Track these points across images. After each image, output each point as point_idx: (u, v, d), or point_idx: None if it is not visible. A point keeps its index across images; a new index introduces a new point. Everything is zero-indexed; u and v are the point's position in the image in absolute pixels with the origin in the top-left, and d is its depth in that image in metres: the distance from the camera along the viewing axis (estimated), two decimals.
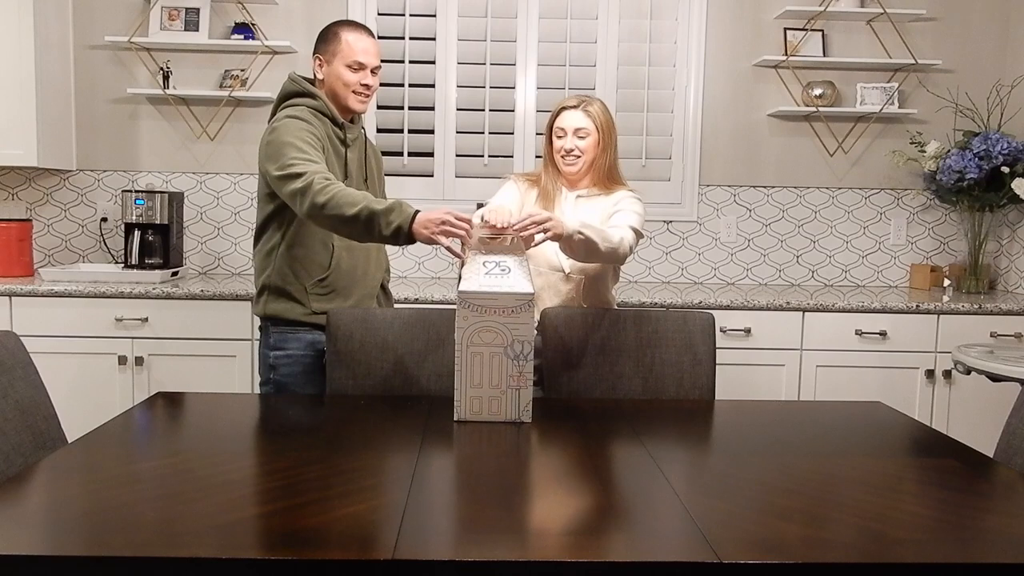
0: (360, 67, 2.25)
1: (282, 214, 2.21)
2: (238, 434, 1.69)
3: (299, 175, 2.01)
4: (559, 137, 2.33)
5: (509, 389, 1.77)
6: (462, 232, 1.90)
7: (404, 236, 1.92)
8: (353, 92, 2.26)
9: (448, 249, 1.91)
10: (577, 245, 2.03)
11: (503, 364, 1.75)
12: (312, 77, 2.32)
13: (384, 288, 2.48)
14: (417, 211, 1.93)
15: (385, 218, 1.91)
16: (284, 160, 2.06)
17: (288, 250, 2.23)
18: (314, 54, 2.30)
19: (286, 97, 2.28)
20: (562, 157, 2.33)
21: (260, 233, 2.29)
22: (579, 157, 2.31)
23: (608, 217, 2.30)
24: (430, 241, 1.91)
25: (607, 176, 2.36)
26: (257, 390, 3.07)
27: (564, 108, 2.33)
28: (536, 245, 2.00)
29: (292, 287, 2.25)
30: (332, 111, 2.26)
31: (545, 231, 1.94)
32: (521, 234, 1.94)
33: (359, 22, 2.32)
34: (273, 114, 2.30)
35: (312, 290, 2.25)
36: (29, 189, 3.61)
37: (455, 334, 1.76)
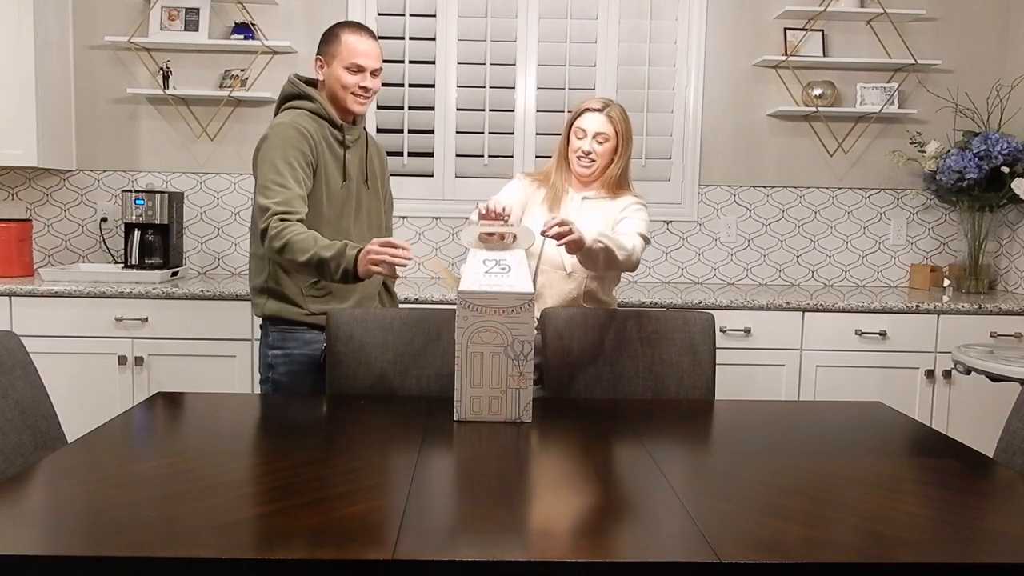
0: (359, 69, 2.24)
1: None
2: (238, 434, 1.69)
3: (264, 210, 2.08)
4: (578, 138, 2.33)
5: (509, 389, 1.77)
6: (385, 256, 1.92)
7: (352, 276, 1.99)
8: (352, 94, 2.25)
9: (382, 273, 1.96)
10: (596, 255, 2.04)
11: (503, 364, 1.75)
12: (314, 78, 2.33)
13: (388, 289, 2.49)
14: (359, 251, 1.98)
15: (333, 263, 1.99)
16: (262, 182, 2.13)
17: None
18: (316, 56, 2.30)
19: (285, 99, 2.29)
20: (578, 158, 2.33)
21: (254, 234, 2.27)
22: (594, 161, 2.32)
23: (615, 223, 2.30)
24: (370, 274, 1.97)
25: (616, 182, 2.36)
26: (257, 389, 3.08)
27: (587, 109, 2.33)
28: (560, 245, 1.98)
29: (288, 289, 2.26)
30: (329, 113, 2.26)
31: (570, 231, 1.93)
32: (547, 235, 1.94)
33: (361, 24, 2.33)
34: (275, 116, 2.30)
35: (308, 292, 2.26)
36: (29, 189, 3.61)
37: (455, 334, 1.76)
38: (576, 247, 1.98)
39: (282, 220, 2.05)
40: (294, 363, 2.28)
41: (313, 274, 2.07)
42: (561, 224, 1.93)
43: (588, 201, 2.36)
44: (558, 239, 1.94)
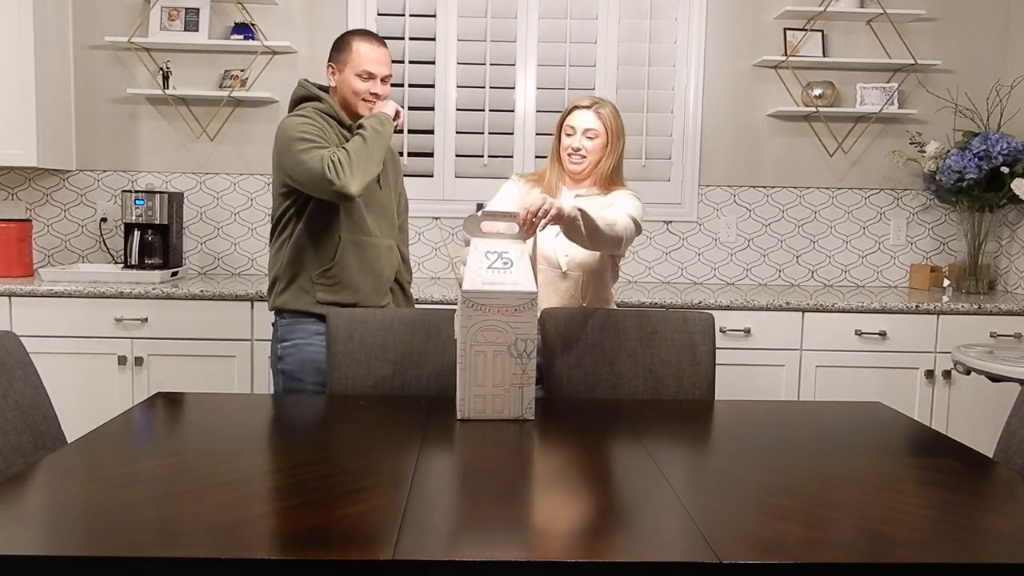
0: (369, 76, 2.31)
1: (296, 208, 2.29)
2: (238, 434, 1.69)
3: (315, 168, 2.14)
4: (568, 135, 2.34)
5: (512, 387, 1.77)
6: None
7: (395, 121, 2.36)
8: (363, 100, 2.33)
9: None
10: (576, 225, 1.99)
11: (506, 363, 1.76)
12: (325, 85, 2.40)
13: (404, 289, 2.52)
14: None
15: (378, 124, 2.27)
16: (296, 151, 2.18)
17: (297, 241, 2.30)
18: (328, 63, 2.37)
19: (295, 103, 2.37)
20: (568, 155, 2.34)
21: (275, 229, 2.37)
22: (584, 157, 2.33)
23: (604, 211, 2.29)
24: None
25: (608, 179, 2.36)
26: (257, 390, 3.08)
27: (576, 107, 2.35)
28: (542, 228, 1.94)
29: (299, 277, 2.32)
30: (339, 114, 2.33)
31: (546, 212, 1.89)
32: (530, 223, 1.89)
33: (371, 31, 2.42)
34: None
35: (318, 280, 2.31)
36: (29, 189, 3.61)
37: (459, 333, 1.76)
38: (557, 220, 1.93)
39: (334, 157, 2.14)
40: (302, 354, 2.33)
41: (376, 158, 2.23)
42: (538, 209, 1.87)
43: (580, 199, 2.36)
44: (545, 217, 1.89)
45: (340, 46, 2.35)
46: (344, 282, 2.32)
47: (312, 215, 2.28)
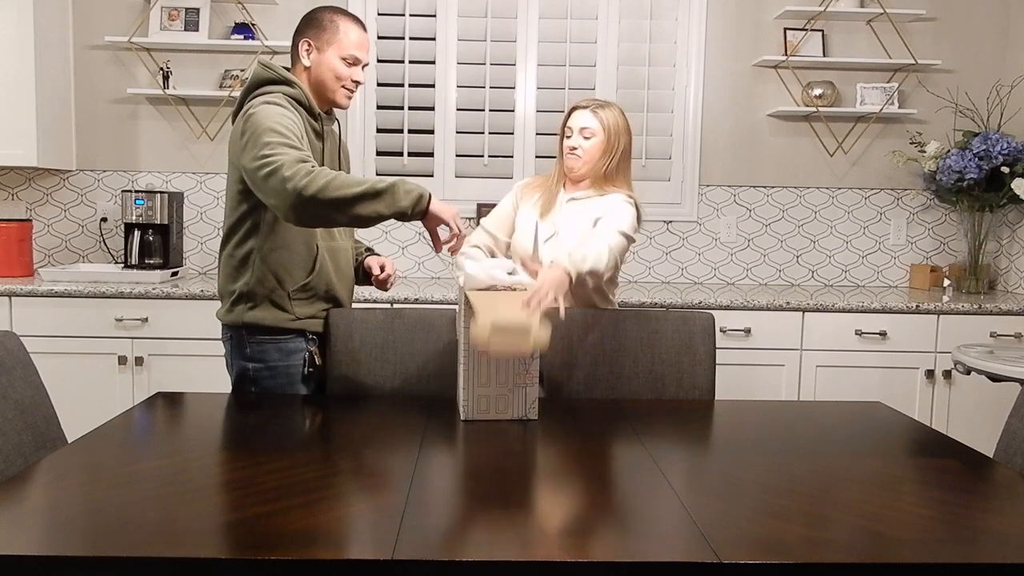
0: (356, 62, 2.10)
1: (259, 213, 2.03)
2: (238, 434, 1.69)
3: (274, 162, 1.81)
4: (567, 136, 2.35)
5: (516, 387, 1.77)
6: (455, 243, 1.91)
7: (425, 205, 1.83)
8: (343, 87, 2.11)
9: (436, 241, 1.90)
10: (582, 280, 2.01)
11: (509, 363, 1.76)
12: (282, 65, 2.12)
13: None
14: (428, 194, 1.87)
15: (403, 186, 1.82)
16: (264, 142, 1.86)
17: (271, 254, 2.05)
18: (302, 38, 2.09)
19: (258, 84, 2.08)
20: (566, 155, 2.35)
21: (231, 235, 2.09)
22: (580, 157, 2.32)
23: (593, 222, 2.27)
24: (435, 224, 1.86)
25: (603, 179, 2.34)
26: None
27: (576, 107, 2.35)
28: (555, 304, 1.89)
29: (275, 293, 2.07)
30: (310, 101, 2.09)
31: (554, 299, 1.84)
32: (536, 307, 1.79)
33: (351, 12, 2.18)
34: (240, 105, 2.11)
35: (295, 295, 2.09)
36: (29, 189, 3.61)
37: (463, 334, 1.76)
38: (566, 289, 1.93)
39: (313, 166, 1.80)
40: (280, 376, 2.10)
41: (359, 207, 1.79)
42: (543, 302, 1.81)
43: (574, 202, 2.34)
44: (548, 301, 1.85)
45: (322, 23, 2.08)
46: (320, 294, 2.12)
47: (284, 222, 1.97)
